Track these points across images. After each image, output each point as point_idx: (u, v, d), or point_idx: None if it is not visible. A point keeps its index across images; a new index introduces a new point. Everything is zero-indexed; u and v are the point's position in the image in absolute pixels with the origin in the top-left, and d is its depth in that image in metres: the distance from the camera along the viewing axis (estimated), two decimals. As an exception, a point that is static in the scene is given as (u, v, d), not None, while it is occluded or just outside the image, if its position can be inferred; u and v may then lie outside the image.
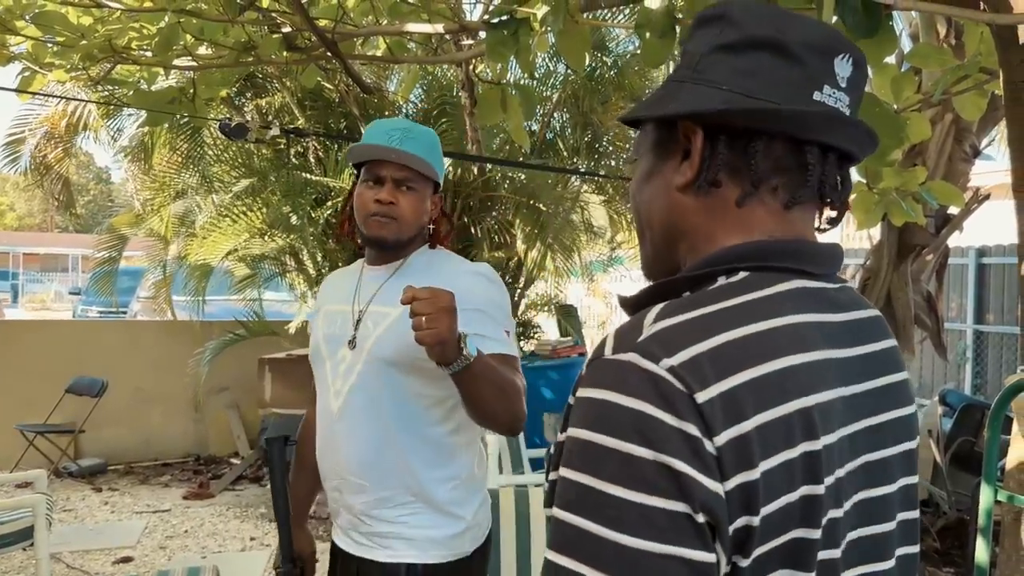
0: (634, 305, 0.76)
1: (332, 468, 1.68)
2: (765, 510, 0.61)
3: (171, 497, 5.55)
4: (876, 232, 5.06)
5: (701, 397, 0.60)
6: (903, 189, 3.34)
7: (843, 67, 0.73)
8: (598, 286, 8.88)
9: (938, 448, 4.57)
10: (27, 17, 3.20)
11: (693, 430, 0.59)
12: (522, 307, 7.16)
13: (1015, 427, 2.19)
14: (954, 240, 5.24)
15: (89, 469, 6.05)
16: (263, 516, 5.08)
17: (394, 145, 1.64)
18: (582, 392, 0.65)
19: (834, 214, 0.79)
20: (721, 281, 0.71)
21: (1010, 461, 2.19)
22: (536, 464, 4.22)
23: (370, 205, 1.65)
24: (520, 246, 5.76)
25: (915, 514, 0.77)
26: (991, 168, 8.07)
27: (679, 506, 0.58)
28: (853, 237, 9.04)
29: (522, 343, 6.58)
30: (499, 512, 2.32)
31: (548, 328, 7.65)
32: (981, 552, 2.07)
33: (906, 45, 4.78)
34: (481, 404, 1.49)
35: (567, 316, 6.95)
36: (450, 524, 1.62)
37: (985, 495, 2.06)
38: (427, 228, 1.74)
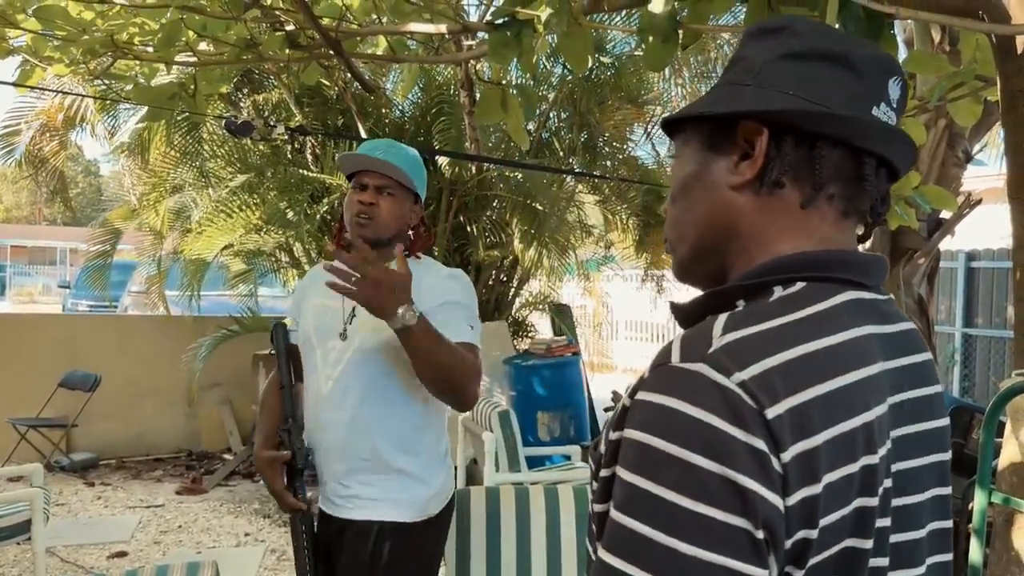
0: (687, 314, 0.76)
1: (320, 441, 1.92)
2: (823, 522, 0.62)
3: (164, 492, 5.54)
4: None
5: (771, 413, 0.60)
6: (897, 193, 3.38)
7: (894, 88, 0.76)
8: (594, 286, 8.91)
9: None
10: (28, 11, 3.19)
11: (761, 445, 0.60)
12: (516, 306, 7.18)
13: (1007, 429, 2.23)
14: (944, 244, 5.30)
15: (81, 463, 6.04)
16: (257, 512, 5.09)
17: (377, 156, 1.91)
18: (645, 396, 0.65)
19: (861, 231, 0.80)
20: (778, 291, 0.71)
21: (1002, 463, 2.22)
22: (532, 462, 4.25)
23: (354, 207, 1.91)
24: (517, 245, 5.78)
25: (948, 524, 0.77)
26: (982, 173, 8.15)
27: (739, 521, 0.59)
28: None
29: (516, 342, 6.61)
30: (499, 509, 2.35)
31: (542, 327, 7.68)
32: (975, 553, 2.11)
33: (900, 51, 4.83)
34: (425, 366, 1.74)
35: (561, 315, 6.97)
36: (420, 489, 1.89)
37: (979, 497, 2.10)
38: (407, 235, 1.98)
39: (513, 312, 7.10)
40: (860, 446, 0.64)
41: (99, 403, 6.15)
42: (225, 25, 3.27)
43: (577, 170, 6.48)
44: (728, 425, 0.60)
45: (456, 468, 4.26)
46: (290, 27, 3.21)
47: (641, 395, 0.65)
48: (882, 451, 0.66)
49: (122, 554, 4.31)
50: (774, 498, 0.59)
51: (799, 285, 0.71)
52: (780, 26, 0.77)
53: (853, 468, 0.63)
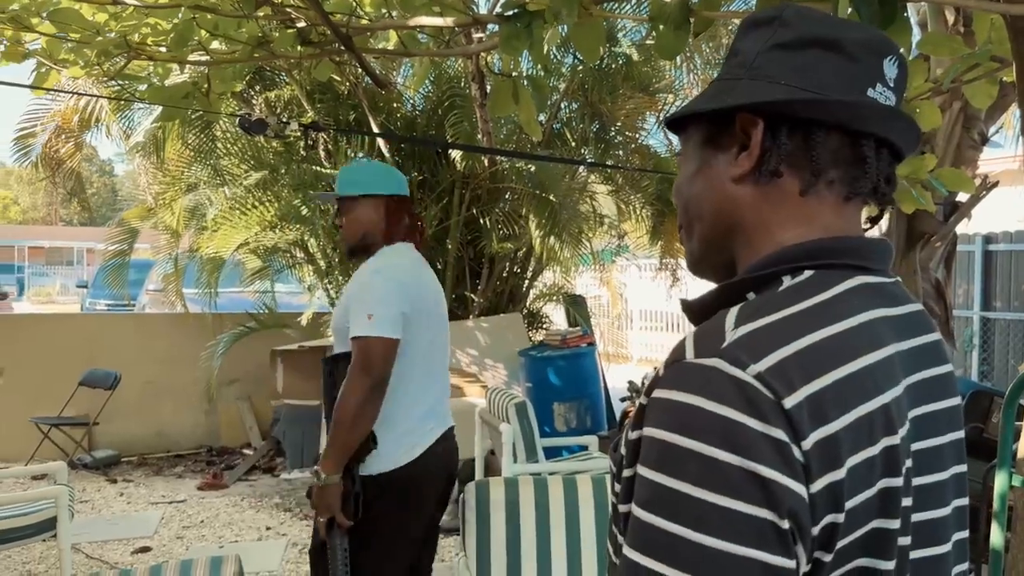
0: (699, 310, 0.77)
1: None
2: (849, 505, 0.62)
3: (185, 488, 5.60)
4: (884, 220, 5.07)
5: (789, 402, 0.61)
6: (913, 177, 3.36)
7: (891, 68, 0.76)
8: (610, 276, 8.89)
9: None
10: (43, 14, 3.22)
11: (781, 435, 0.60)
12: (531, 297, 7.19)
13: (1028, 413, 2.22)
14: (961, 227, 5.25)
15: (103, 461, 6.11)
16: (278, 506, 5.13)
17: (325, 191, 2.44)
18: (662, 394, 0.65)
19: (874, 213, 0.81)
20: (787, 281, 0.72)
21: (1022, 445, 2.22)
22: (549, 453, 4.26)
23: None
24: (535, 238, 5.77)
25: (965, 501, 0.79)
26: (998, 155, 8.06)
27: (764, 512, 0.59)
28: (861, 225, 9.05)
29: (531, 333, 6.62)
30: (518, 499, 2.36)
31: (557, 318, 7.68)
32: (996, 537, 2.10)
33: (915, 33, 4.79)
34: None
35: (575, 306, 6.97)
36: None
37: (1000, 480, 2.09)
38: (382, 231, 2.31)
39: (528, 304, 7.11)
40: (879, 428, 0.65)
41: (120, 401, 6.22)
42: (237, 23, 3.28)
43: (590, 160, 6.47)
44: (747, 417, 0.61)
45: (475, 459, 4.28)
46: (301, 24, 3.22)
47: (658, 393, 0.66)
48: (902, 431, 0.67)
49: (146, 549, 4.36)
50: (797, 487, 0.60)
51: (807, 274, 0.72)
52: (771, 16, 0.78)
53: (874, 451, 0.64)
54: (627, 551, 0.64)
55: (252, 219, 5.81)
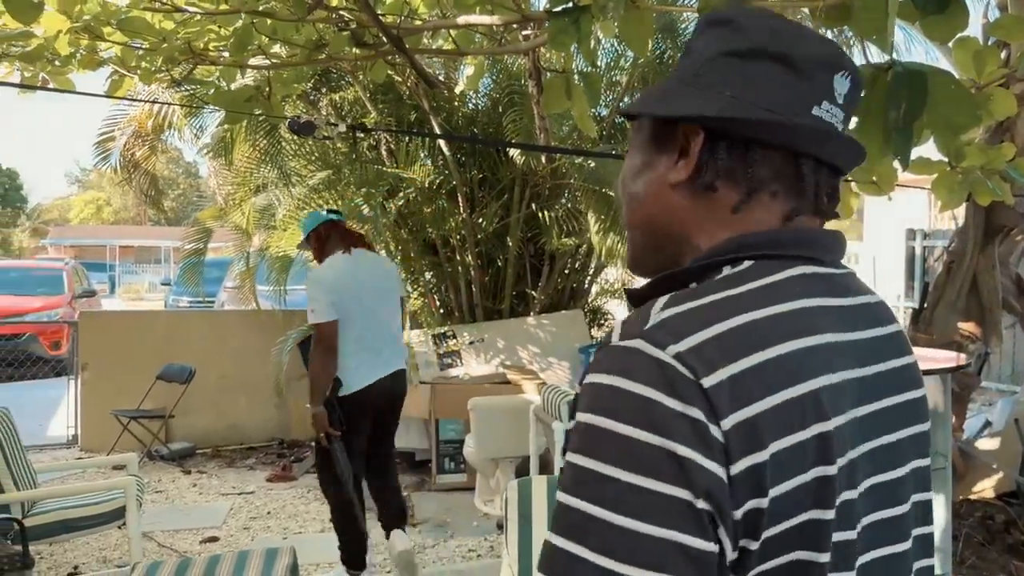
0: (640, 297, 0.77)
1: None
2: (774, 491, 0.61)
3: (255, 480, 5.77)
4: (960, 212, 4.86)
5: (708, 382, 0.61)
6: (988, 167, 3.20)
7: (842, 84, 0.75)
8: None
9: (1028, 438, 4.38)
10: (113, 23, 3.36)
11: (698, 415, 0.60)
12: (592, 293, 7.14)
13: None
14: (1047, 220, 4.98)
15: (179, 452, 6.34)
16: (341, 499, 5.24)
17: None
18: (589, 378, 0.66)
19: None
20: (727, 270, 0.72)
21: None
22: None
23: None
24: (594, 234, 5.73)
25: (929, 496, 0.78)
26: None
27: (680, 492, 0.59)
28: (939, 218, 8.70)
29: (593, 330, 6.58)
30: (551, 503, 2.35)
31: (620, 315, 7.62)
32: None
33: (986, 14, 4.57)
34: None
35: (638, 303, 6.88)
36: None
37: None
38: (319, 252, 3.75)
39: (589, 301, 7.07)
40: (809, 414, 0.64)
41: (195, 395, 6.45)
42: (294, 27, 3.36)
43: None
44: (664, 397, 0.61)
45: (530, 457, 4.28)
46: (355, 26, 3.27)
47: (587, 378, 0.67)
48: (839, 420, 0.66)
49: (214, 539, 4.51)
50: (714, 467, 0.60)
51: (747, 263, 0.72)
52: (728, 19, 0.77)
53: (803, 436, 0.63)
54: (548, 534, 0.64)
55: (318, 218, 5.92)
